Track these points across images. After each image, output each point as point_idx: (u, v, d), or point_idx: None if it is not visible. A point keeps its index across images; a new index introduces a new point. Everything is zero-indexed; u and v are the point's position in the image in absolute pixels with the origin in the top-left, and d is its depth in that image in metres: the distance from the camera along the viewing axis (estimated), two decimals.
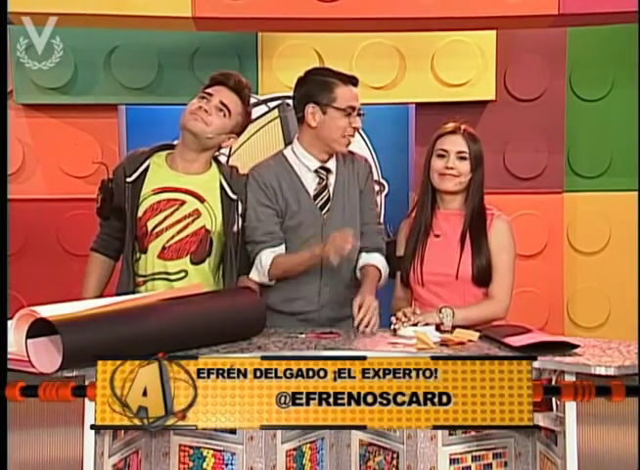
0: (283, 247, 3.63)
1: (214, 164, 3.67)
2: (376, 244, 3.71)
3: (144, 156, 3.59)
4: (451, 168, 3.55)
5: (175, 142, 3.68)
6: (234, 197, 3.60)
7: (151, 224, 3.52)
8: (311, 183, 3.64)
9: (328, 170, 3.64)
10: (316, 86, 3.59)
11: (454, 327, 3.27)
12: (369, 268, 3.64)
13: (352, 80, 3.61)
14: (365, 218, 3.72)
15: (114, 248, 3.70)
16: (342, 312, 3.57)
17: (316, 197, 3.63)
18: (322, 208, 3.63)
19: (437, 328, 3.28)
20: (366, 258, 3.67)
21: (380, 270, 3.66)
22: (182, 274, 3.55)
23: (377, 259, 3.68)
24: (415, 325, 3.25)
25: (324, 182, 3.64)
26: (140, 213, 3.52)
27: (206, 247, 3.58)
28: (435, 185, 3.61)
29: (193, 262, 3.56)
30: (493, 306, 3.51)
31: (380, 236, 3.75)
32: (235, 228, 3.60)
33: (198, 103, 3.54)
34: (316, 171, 3.64)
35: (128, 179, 3.51)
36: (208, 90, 3.56)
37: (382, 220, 3.81)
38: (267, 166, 3.69)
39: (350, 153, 3.78)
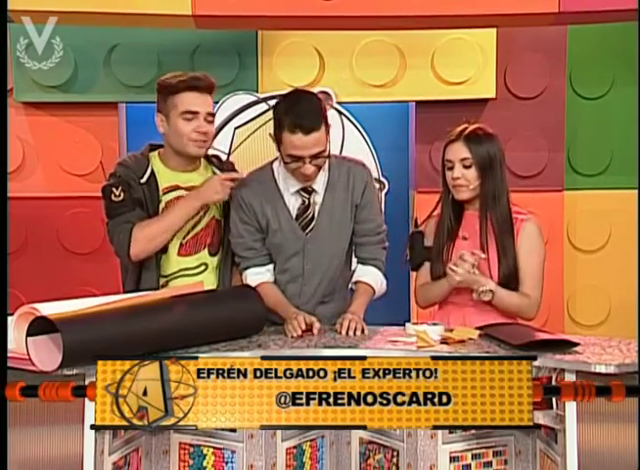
0: (270, 267, 3.61)
1: (202, 158, 3.69)
2: (374, 255, 3.62)
3: (144, 158, 3.56)
4: (458, 178, 3.48)
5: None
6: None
7: None
8: (294, 203, 3.55)
9: (311, 191, 3.53)
10: None
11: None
12: (362, 286, 3.59)
13: (304, 129, 3.32)
14: (364, 230, 3.60)
15: None
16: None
17: (298, 217, 3.55)
18: (305, 227, 3.55)
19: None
20: (361, 273, 3.62)
21: (373, 288, 3.59)
22: (202, 268, 3.58)
23: (372, 275, 3.61)
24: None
25: (307, 202, 3.55)
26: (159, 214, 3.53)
27: (220, 236, 3.62)
28: (454, 195, 3.56)
29: (211, 254, 3.60)
30: (527, 303, 3.48)
31: (379, 246, 3.64)
32: None
33: (188, 126, 3.46)
34: (298, 192, 3.54)
35: (142, 180, 3.49)
36: (189, 108, 3.45)
37: (384, 229, 3.66)
38: (250, 184, 3.60)
39: (348, 160, 3.68)
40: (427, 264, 3.65)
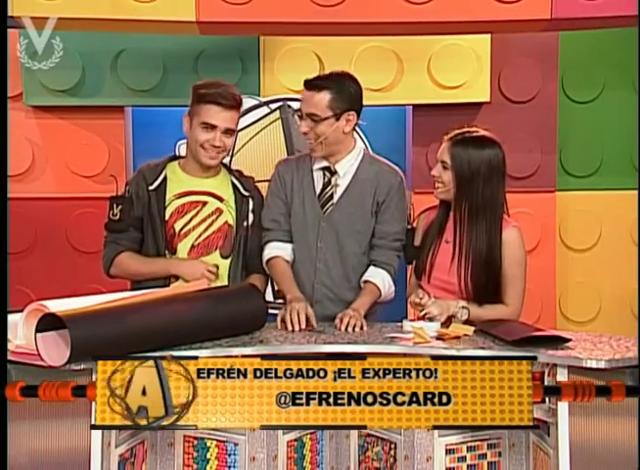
0: (289, 246, 3.70)
1: (222, 167, 3.77)
2: (386, 260, 3.67)
3: (160, 166, 3.65)
4: (435, 177, 3.53)
5: (181, 152, 3.74)
6: (246, 194, 3.71)
7: (178, 226, 3.60)
8: (319, 180, 3.70)
9: (333, 172, 3.68)
10: None
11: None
12: (369, 285, 3.64)
13: (306, 84, 3.60)
14: (382, 232, 3.68)
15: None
16: (336, 311, 3.53)
17: (320, 194, 3.69)
18: (323, 205, 3.68)
19: (448, 320, 3.33)
20: (371, 273, 3.67)
21: (380, 290, 3.63)
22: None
23: (381, 277, 3.65)
24: (428, 315, 3.32)
25: (327, 181, 3.69)
26: (167, 217, 3.59)
27: (232, 241, 3.67)
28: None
29: (223, 257, 3.65)
30: (506, 314, 3.45)
31: (394, 253, 3.69)
32: (245, 223, 3.70)
33: (204, 135, 3.54)
34: (321, 170, 3.70)
35: (151, 187, 3.57)
36: (208, 121, 3.52)
37: (402, 238, 3.68)
38: (290, 160, 3.85)
39: (383, 162, 3.79)
40: (415, 264, 3.69)
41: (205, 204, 3.64)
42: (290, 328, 3.24)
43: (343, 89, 3.58)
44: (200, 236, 3.62)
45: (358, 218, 3.67)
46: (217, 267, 3.62)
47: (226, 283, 3.65)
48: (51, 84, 5.10)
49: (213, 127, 3.53)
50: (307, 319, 3.30)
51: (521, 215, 5.12)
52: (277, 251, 3.69)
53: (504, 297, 3.50)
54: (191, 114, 3.59)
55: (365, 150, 3.80)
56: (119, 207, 3.57)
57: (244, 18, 4.28)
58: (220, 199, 3.67)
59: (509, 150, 5.14)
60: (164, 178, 3.62)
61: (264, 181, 3.86)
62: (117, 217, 3.58)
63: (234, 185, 3.71)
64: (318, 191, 3.70)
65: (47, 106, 5.21)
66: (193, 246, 3.62)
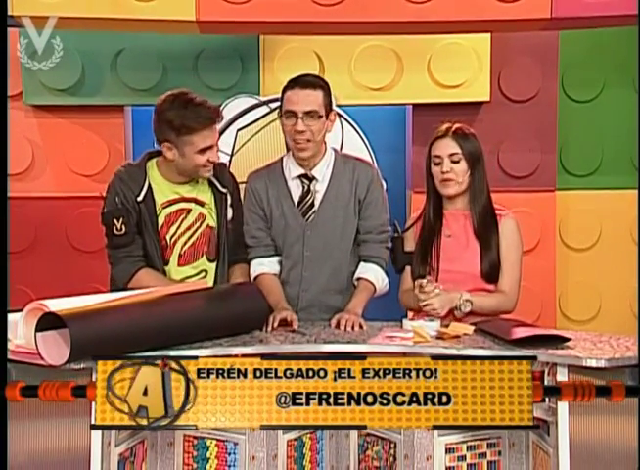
0: (273, 259, 3.74)
1: None
2: (376, 253, 3.72)
3: (141, 171, 3.61)
4: (447, 173, 3.56)
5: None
6: (224, 190, 3.71)
7: (168, 237, 3.62)
8: (296, 189, 3.71)
9: (312, 178, 3.69)
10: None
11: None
12: (363, 282, 3.68)
13: (300, 83, 3.58)
14: (367, 227, 3.72)
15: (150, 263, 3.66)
16: (321, 317, 3.60)
17: (299, 203, 3.70)
18: (305, 214, 3.69)
19: (449, 313, 3.39)
20: (363, 270, 3.71)
21: (374, 285, 3.68)
22: (202, 275, 3.66)
23: (373, 272, 3.70)
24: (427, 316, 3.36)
25: (307, 189, 3.69)
26: (159, 228, 3.60)
27: (217, 242, 3.70)
28: (439, 191, 3.63)
29: (210, 260, 3.69)
30: (504, 300, 3.55)
31: (382, 245, 3.74)
32: (226, 219, 3.71)
33: (204, 157, 3.51)
34: (299, 178, 3.70)
35: (139, 198, 3.55)
36: (207, 144, 3.50)
37: (387, 229, 3.78)
38: (260, 172, 3.81)
39: (355, 158, 3.82)
40: (409, 269, 3.72)
41: (189, 211, 3.66)
42: (267, 328, 3.26)
43: (329, 88, 3.64)
44: (185, 244, 3.65)
45: (343, 220, 3.70)
46: (206, 273, 3.66)
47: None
48: (51, 83, 5.08)
49: (211, 147, 3.53)
50: (291, 322, 3.31)
51: (521, 215, 5.06)
52: (261, 267, 3.72)
53: (500, 284, 3.59)
54: (176, 144, 3.52)
55: (335, 150, 3.81)
56: (121, 219, 3.53)
57: (244, 17, 4.26)
58: (202, 203, 3.68)
59: (509, 149, 5.25)
60: (149, 187, 3.59)
61: None
62: (124, 231, 3.54)
63: (211, 183, 3.70)
64: (297, 200, 3.70)
65: (47, 105, 5.19)
66: (180, 255, 3.64)
